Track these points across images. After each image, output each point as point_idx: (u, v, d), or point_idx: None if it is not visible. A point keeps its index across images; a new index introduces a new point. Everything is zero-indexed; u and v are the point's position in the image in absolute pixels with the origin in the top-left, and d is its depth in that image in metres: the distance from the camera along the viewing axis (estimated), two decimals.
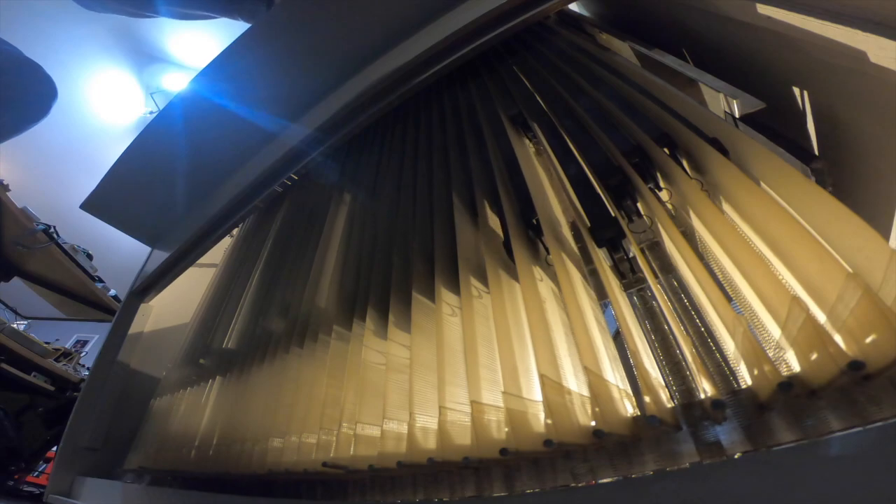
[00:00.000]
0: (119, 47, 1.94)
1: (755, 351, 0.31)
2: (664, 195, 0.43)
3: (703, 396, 0.33)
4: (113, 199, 1.10)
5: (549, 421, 0.36)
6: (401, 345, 0.48)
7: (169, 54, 2.09)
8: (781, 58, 0.42)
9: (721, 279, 0.37)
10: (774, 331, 0.32)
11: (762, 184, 0.35)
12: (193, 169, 1.03)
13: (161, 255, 1.09)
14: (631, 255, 0.42)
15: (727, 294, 0.35)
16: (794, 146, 0.44)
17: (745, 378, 0.32)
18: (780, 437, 0.28)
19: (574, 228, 0.46)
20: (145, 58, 2.02)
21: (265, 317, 0.74)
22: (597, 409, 0.35)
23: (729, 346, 0.34)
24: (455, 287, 0.47)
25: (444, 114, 0.78)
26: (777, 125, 0.45)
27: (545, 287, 0.43)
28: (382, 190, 0.75)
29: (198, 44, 2.05)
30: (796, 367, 0.30)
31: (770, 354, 0.31)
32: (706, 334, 0.36)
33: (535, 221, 0.47)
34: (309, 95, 0.87)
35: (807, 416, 0.28)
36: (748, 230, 0.36)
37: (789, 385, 0.29)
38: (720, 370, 0.35)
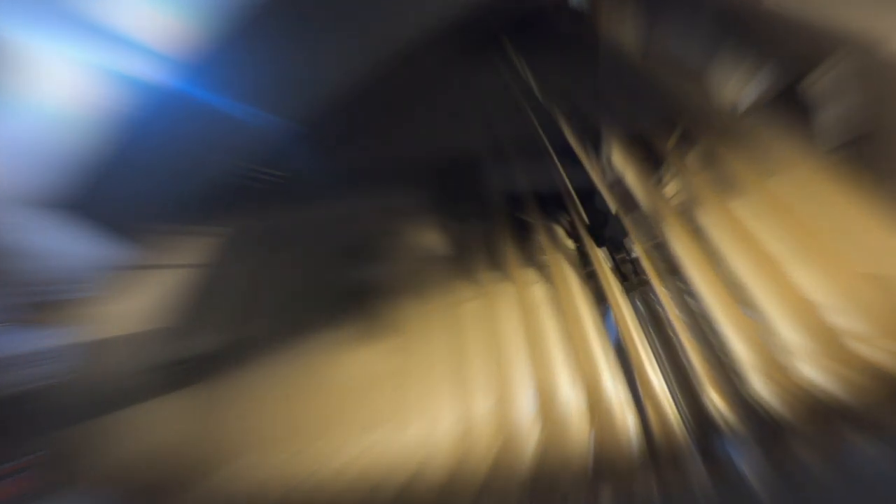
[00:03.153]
0: (74, 25, 1.89)
1: (770, 361, 0.30)
2: (670, 190, 0.42)
3: (712, 411, 0.32)
4: (80, 195, 1.07)
5: (543, 436, 0.35)
6: (381, 353, 0.47)
7: (132, 35, 2.04)
8: (803, 36, 0.41)
9: (733, 282, 0.35)
10: (791, 338, 0.31)
11: (779, 176, 0.35)
12: (165, 164, 1.01)
13: (128, 255, 1.06)
14: (634, 255, 0.41)
15: (740, 298, 0.34)
16: (816, 134, 0.43)
17: (759, 391, 0.31)
18: (797, 454, 0.28)
19: (571, 226, 0.45)
20: (105, 38, 1.96)
21: (233, 322, 0.72)
22: (595, 422, 0.34)
23: (741, 355, 0.33)
24: (443, 290, 0.46)
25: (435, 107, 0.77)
26: (797, 111, 0.44)
27: (539, 291, 0.42)
28: (368, 183, 0.74)
29: (162, 23, 2.00)
30: (815, 379, 0.29)
31: (786, 364, 0.30)
32: (716, 342, 0.35)
33: (528, 219, 0.46)
34: (299, 89, 0.85)
35: (826, 432, 0.27)
36: (763, 227, 0.35)
37: (807, 398, 0.28)
38: (731, 382, 0.33)
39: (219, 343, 0.71)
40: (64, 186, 1.06)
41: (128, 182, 1.04)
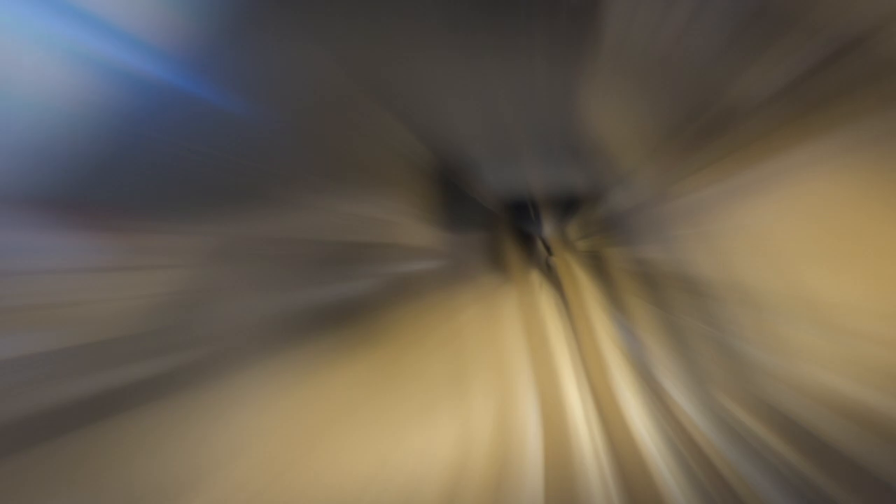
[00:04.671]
0: (49, 8, 1.82)
1: (791, 366, 0.30)
2: (685, 189, 0.41)
3: (733, 420, 0.32)
4: (56, 191, 1.03)
5: (548, 461, 0.34)
6: (371, 365, 0.45)
7: (106, 18, 1.98)
8: (826, 27, 0.40)
9: (751, 284, 0.35)
10: (812, 343, 0.30)
11: (800, 174, 0.34)
12: (148, 159, 0.98)
13: (108, 255, 1.03)
14: (653, 255, 0.40)
15: (758, 301, 0.34)
16: (838, 130, 0.42)
17: (781, 397, 0.31)
18: (821, 461, 0.27)
19: (582, 227, 0.43)
20: (78, 19, 1.90)
21: (216, 332, 0.70)
22: (609, 435, 0.34)
23: (761, 360, 0.32)
24: (440, 297, 0.44)
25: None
26: (818, 106, 0.43)
27: (546, 295, 0.41)
28: (358, 186, 0.73)
29: (144, 8, 1.95)
30: (837, 384, 0.28)
31: (807, 370, 0.30)
32: (735, 347, 0.34)
33: (533, 213, 0.45)
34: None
35: (852, 439, 0.27)
36: (782, 227, 0.35)
37: (831, 404, 0.28)
38: (751, 388, 0.32)
39: (200, 353, 0.68)
40: (39, 182, 1.02)
41: (107, 178, 1.00)
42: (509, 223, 0.45)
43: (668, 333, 0.38)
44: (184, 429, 0.47)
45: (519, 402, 0.38)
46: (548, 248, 0.44)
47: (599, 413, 0.35)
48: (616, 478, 0.32)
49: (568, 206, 0.46)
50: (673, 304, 0.38)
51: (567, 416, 0.36)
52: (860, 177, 0.32)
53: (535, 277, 0.43)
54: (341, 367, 0.48)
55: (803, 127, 0.41)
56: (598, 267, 0.41)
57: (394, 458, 0.40)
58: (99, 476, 0.38)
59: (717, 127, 0.40)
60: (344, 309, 0.51)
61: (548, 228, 0.43)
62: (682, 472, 0.31)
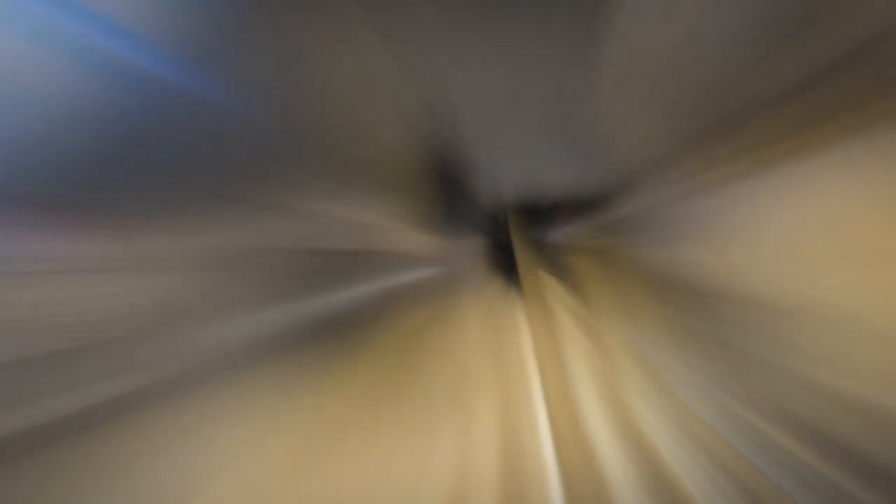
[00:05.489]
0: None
1: (818, 374, 0.29)
2: (704, 187, 0.39)
3: (762, 436, 0.31)
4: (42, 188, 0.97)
5: (565, 473, 0.33)
6: (353, 386, 0.44)
7: (107, 14, 1.84)
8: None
9: (775, 287, 0.33)
10: (844, 352, 0.29)
11: (830, 172, 0.32)
12: (137, 156, 0.92)
13: (94, 255, 0.98)
14: (664, 257, 0.38)
15: (783, 304, 0.32)
16: (875, 124, 0.41)
17: (812, 409, 0.29)
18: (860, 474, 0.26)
19: (593, 223, 0.42)
20: (77, 14, 1.76)
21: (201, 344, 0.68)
22: (632, 458, 0.32)
23: (788, 369, 0.31)
24: (438, 306, 0.44)
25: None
26: (851, 100, 0.42)
27: (557, 301, 0.40)
28: (349, 189, 0.70)
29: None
30: (872, 398, 0.26)
31: (841, 384, 0.28)
32: (762, 355, 0.33)
33: (539, 216, 0.43)
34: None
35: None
36: (807, 225, 0.33)
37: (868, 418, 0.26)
38: (778, 400, 0.31)
39: (189, 364, 0.66)
40: (29, 182, 0.95)
41: (99, 178, 0.94)
42: (514, 226, 0.44)
43: (685, 338, 0.37)
44: (173, 442, 0.45)
45: (527, 414, 0.37)
46: (555, 253, 0.43)
47: (617, 422, 0.34)
48: (641, 488, 0.31)
49: (576, 208, 0.46)
50: (687, 307, 0.37)
51: (580, 427, 0.35)
52: (875, 181, 0.31)
53: (542, 283, 0.42)
54: (336, 381, 0.46)
55: (816, 130, 0.41)
56: (609, 271, 0.40)
57: (391, 473, 0.39)
58: (74, 493, 0.36)
59: (730, 128, 0.38)
60: (338, 320, 0.49)
61: (555, 232, 0.41)
62: (708, 483, 0.31)
